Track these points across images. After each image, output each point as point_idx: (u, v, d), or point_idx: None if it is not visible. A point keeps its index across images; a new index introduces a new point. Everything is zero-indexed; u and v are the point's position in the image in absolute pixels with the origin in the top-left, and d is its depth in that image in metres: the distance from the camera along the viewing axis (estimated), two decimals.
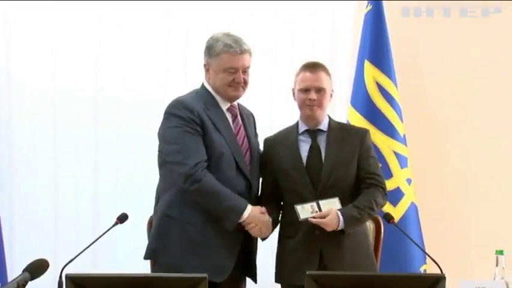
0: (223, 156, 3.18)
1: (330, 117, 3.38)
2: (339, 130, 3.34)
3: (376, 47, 4.32)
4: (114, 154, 4.50)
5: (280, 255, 3.32)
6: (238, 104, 3.38)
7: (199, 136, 3.16)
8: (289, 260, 3.26)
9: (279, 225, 3.35)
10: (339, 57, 4.57)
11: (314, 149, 3.29)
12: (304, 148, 3.29)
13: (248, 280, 3.36)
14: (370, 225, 3.48)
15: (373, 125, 4.26)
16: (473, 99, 4.59)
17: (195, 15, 4.50)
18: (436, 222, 4.45)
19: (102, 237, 2.93)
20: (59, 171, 4.47)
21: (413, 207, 4.27)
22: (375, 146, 4.15)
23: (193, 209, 3.15)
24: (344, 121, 4.21)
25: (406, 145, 4.33)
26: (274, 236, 3.35)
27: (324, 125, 3.33)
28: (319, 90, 3.27)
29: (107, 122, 4.51)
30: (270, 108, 4.48)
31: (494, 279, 2.76)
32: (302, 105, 3.29)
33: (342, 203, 3.18)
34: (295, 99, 3.35)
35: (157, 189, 3.29)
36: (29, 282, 2.30)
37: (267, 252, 3.43)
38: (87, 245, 2.84)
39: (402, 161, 4.29)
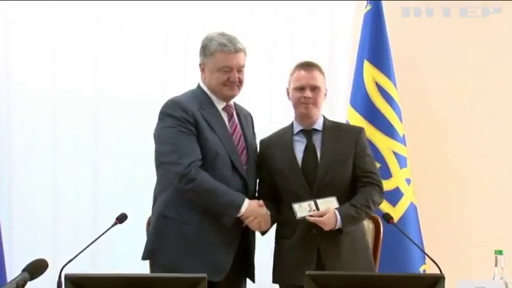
0: (218, 155, 3.18)
1: (324, 117, 3.38)
2: (334, 129, 3.34)
3: (375, 47, 4.33)
4: (113, 154, 4.50)
5: (278, 255, 3.32)
6: (235, 103, 3.39)
7: (193, 136, 3.16)
8: (287, 260, 3.26)
9: (276, 226, 3.34)
10: (339, 57, 4.57)
11: (309, 148, 3.29)
12: (299, 148, 3.30)
13: (248, 280, 3.36)
14: (369, 225, 3.49)
15: (373, 125, 4.26)
16: (473, 99, 4.59)
17: (195, 15, 4.50)
18: (435, 223, 4.45)
19: (101, 237, 2.93)
20: (59, 171, 4.48)
21: (412, 207, 4.27)
22: (374, 146, 4.18)
23: (190, 208, 3.15)
24: (343, 121, 4.21)
25: (405, 145, 4.33)
26: (273, 236, 3.35)
27: (318, 125, 3.33)
28: (314, 89, 3.28)
29: (107, 122, 4.51)
30: (269, 108, 4.48)
31: (494, 279, 2.76)
32: (297, 103, 3.30)
33: (339, 202, 3.18)
34: (289, 98, 3.35)
35: (154, 190, 3.30)
36: (28, 283, 2.30)
37: (265, 253, 3.42)
38: (86, 245, 2.85)
39: (401, 161, 4.29)
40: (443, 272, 2.56)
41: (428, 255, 3.03)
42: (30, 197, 4.47)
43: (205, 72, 3.29)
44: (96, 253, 4.22)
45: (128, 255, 4.04)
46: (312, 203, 3.17)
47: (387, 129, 4.29)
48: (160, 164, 3.23)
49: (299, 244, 3.22)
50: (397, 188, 4.25)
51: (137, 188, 4.29)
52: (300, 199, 3.20)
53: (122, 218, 3.03)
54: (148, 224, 3.34)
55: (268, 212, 3.23)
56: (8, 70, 4.49)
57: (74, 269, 2.49)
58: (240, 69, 3.26)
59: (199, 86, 3.33)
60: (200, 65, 3.32)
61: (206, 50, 3.26)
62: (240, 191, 3.22)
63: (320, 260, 3.19)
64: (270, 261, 3.35)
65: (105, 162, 4.49)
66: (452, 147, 4.59)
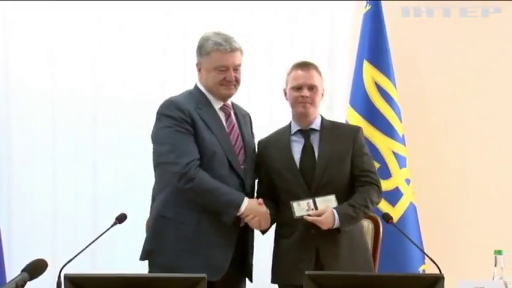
0: (215, 155, 3.19)
1: (322, 116, 3.38)
2: (332, 129, 3.34)
3: (374, 47, 4.33)
4: (113, 154, 4.50)
5: (276, 255, 3.32)
6: (232, 103, 3.39)
7: (190, 135, 3.17)
8: (285, 260, 3.26)
9: (275, 226, 3.34)
10: (338, 57, 4.57)
11: (307, 148, 3.29)
12: (297, 148, 3.30)
13: (247, 281, 3.36)
14: (369, 225, 3.49)
15: (372, 125, 4.26)
16: (473, 99, 4.59)
17: (195, 16, 4.49)
18: (434, 222, 4.45)
19: (101, 238, 2.93)
20: (58, 171, 4.47)
21: (412, 207, 4.27)
22: (374, 146, 4.18)
23: (188, 208, 3.16)
24: (343, 121, 4.21)
25: (405, 145, 4.33)
26: (272, 236, 3.35)
27: (316, 124, 3.33)
28: (312, 88, 3.28)
29: (106, 122, 4.51)
30: (269, 108, 4.48)
31: (493, 279, 2.77)
32: (294, 103, 3.30)
33: (337, 201, 3.18)
34: (287, 99, 3.35)
35: (153, 190, 3.30)
36: (28, 283, 2.30)
37: (264, 252, 3.42)
38: (86, 245, 2.84)
39: (401, 161, 4.29)
40: (442, 272, 2.56)
41: (427, 255, 3.03)
42: (29, 197, 4.47)
43: (201, 72, 3.30)
44: (95, 253, 4.22)
45: (128, 255, 4.04)
46: (310, 201, 3.18)
47: (387, 129, 4.29)
48: (158, 164, 3.24)
49: (298, 244, 3.22)
50: (397, 188, 4.25)
51: (137, 188, 4.29)
52: (299, 199, 3.20)
53: (121, 218, 3.03)
54: (149, 224, 3.34)
55: (268, 211, 3.23)
56: (8, 70, 4.48)
57: (73, 269, 2.49)
58: (236, 68, 3.26)
59: (196, 86, 3.33)
60: (197, 64, 3.32)
61: (202, 49, 3.27)
62: (237, 190, 3.22)
63: (319, 260, 3.19)
64: (269, 261, 3.35)
65: (104, 162, 4.49)
66: (452, 147, 4.59)
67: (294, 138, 3.33)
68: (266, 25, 4.56)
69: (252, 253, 3.35)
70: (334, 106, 4.50)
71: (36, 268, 2.34)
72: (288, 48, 4.55)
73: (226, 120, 3.31)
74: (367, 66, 4.33)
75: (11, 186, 4.47)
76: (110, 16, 4.53)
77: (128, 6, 4.49)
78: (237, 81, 3.28)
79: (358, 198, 3.23)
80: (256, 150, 3.40)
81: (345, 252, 3.21)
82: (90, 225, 4.41)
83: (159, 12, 4.53)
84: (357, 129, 3.40)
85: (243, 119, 3.40)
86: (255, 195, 3.36)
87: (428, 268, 4.01)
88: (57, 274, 2.51)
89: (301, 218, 3.16)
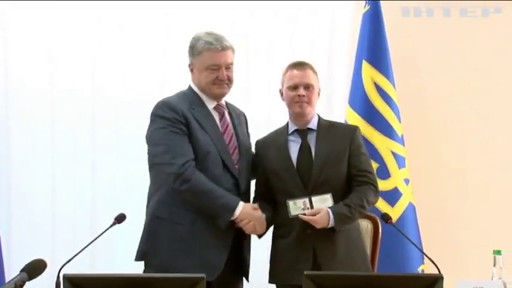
0: (209, 154, 3.19)
1: (319, 116, 3.38)
2: (329, 128, 3.34)
3: (374, 47, 4.33)
4: (112, 154, 4.50)
5: (274, 255, 3.32)
6: (227, 102, 3.39)
7: (185, 136, 3.17)
8: (283, 260, 3.26)
9: (272, 226, 3.34)
10: (337, 57, 4.57)
11: (304, 148, 3.29)
12: (294, 148, 3.29)
13: (245, 281, 3.37)
14: (368, 225, 3.49)
15: (371, 125, 4.27)
16: (472, 99, 4.59)
17: (195, 16, 4.49)
18: (434, 222, 4.45)
19: (100, 238, 2.93)
20: (57, 171, 4.47)
21: (411, 208, 4.27)
22: (373, 146, 4.19)
23: (183, 208, 3.16)
24: (342, 121, 4.21)
25: (404, 145, 4.33)
26: (269, 236, 3.35)
27: (313, 124, 3.33)
28: (308, 87, 3.28)
29: (105, 122, 4.50)
30: (268, 108, 4.47)
31: (492, 279, 2.77)
32: (291, 102, 3.30)
33: (334, 200, 3.18)
34: (283, 99, 3.35)
35: (148, 191, 3.31)
36: (27, 283, 2.30)
37: (262, 253, 3.42)
38: (85, 245, 2.84)
39: (400, 161, 4.29)
40: (441, 272, 2.56)
41: (426, 255, 3.03)
42: (28, 197, 4.46)
43: (194, 72, 3.31)
44: (94, 253, 4.21)
45: (127, 256, 4.03)
46: (306, 200, 3.17)
47: (386, 130, 4.29)
48: (153, 165, 3.25)
49: (295, 244, 3.22)
50: (396, 188, 4.25)
51: (136, 188, 4.27)
52: (295, 198, 3.19)
53: (120, 218, 3.03)
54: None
55: (263, 215, 3.23)
56: (7, 70, 4.47)
57: (72, 269, 2.49)
58: (228, 67, 3.26)
59: (189, 87, 3.34)
60: (189, 65, 3.33)
61: (194, 49, 3.28)
62: (232, 190, 3.22)
63: (316, 260, 3.18)
64: (267, 261, 3.35)
65: (103, 163, 4.49)
66: (451, 148, 4.59)
67: (291, 138, 3.33)
68: (266, 25, 4.56)
69: (249, 253, 3.35)
70: (333, 106, 4.50)
71: (35, 268, 2.34)
72: (288, 48, 4.54)
73: (220, 119, 3.31)
74: (366, 67, 4.33)
75: (10, 186, 4.46)
76: (109, 16, 4.52)
77: (128, 6, 4.48)
78: (230, 80, 3.28)
79: (354, 198, 3.23)
80: (254, 150, 3.41)
81: (342, 251, 3.21)
82: (89, 225, 4.40)
83: (159, 12, 4.52)
84: (354, 129, 3.40)
85: (238, 119, 3.40)
86: (252, 195, 3.37)
87: (427, 268, 4.01)
88: (56, 274, 2.51)
89: (297, 217, 3.16)
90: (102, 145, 4.49)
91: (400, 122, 4.33)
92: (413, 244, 3.41)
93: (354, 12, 4.55)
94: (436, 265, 2.80)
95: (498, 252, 2.78)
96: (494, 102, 4.59)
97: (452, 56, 4.60)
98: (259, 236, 3.30)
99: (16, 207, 4.46)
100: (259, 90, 4.51)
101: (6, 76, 4.47)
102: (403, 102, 4.37)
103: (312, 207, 3.17)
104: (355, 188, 3.27)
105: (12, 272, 4.04)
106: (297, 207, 3.17)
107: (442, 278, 2.35)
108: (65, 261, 2.65)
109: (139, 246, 3.25)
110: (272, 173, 3.29)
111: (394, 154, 4.28)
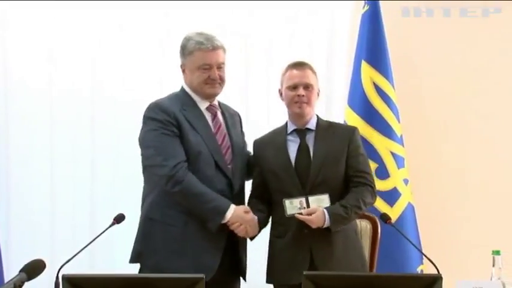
0: (200, 154, 3.19)
1: (318, 116, 3.38)
2: (327, 128, 3.34)
3: (373, 47, 4.33)
4: (111, 154, 4.49)
5: (271, 255, 3.32)
6: (220, 103, 3.39)
7: (176, 137, 3.17)
8: (280, 260, 3.26)
9: (270, 226, 3.34)
10: (337, 58, 4.57)
11: (302, 148, 3.29)
12: (293, 148, 3.30)
13: (243, 281, 3.36)
14: (367, 225, 3.49)
15: (370, 125, 4.27)
16: (472, 99, 4.59)
17: (195, 16, 4.49)
18: (433, 223, 4.46)
19: (99, 238, 2.93)
20: (56, 171, 4.47)
21: (410, 208, 4.28)
22: (372, 147, 4.19)
23: (175, 210, 3.16)
24: (341, 121, 4.21)
25: (403, 145, 4.34)
26: (266, 236, 3.34)
27: (312, 124, 3.33)
28: (307, 87, 3.28)
29: (105, 122, 4.50)
30: (267, 108, 4.48)
31: (491, 279, 2.77)
32: (290, 102, 3.30)
33: (331, 201, 3.18)
34: (282, 99, 3.35)
35: (142, 193, 3.31)
36: (26, 283, 2.30)
37: (259, 253, 3.42)
38: (84, 246, 2.84)
39: (399, 161, 4.30)
40: (440, 272, 2.56)
41: (425, 256, 3.03)
42: (27, 197, 4.46)
43: (186, 73, 3.31)
44: (93, 253, 4.21)
45: (126, 256, 4.03)
46: (303, 200, 3.18)
47: (385, 130, 4.29)
48: (145, 167, 3.26)
49: (292, 244, 3.22)
50: (395, 188, 4.25)
51: (135, 188, 4.23)
52: (292, 197, 3.19)
53: (119, 219, 3.03)
54: None
55: (255, 217, 3.22)
56: (6, 70, 4.48)
57: (71, 269, 2.49)
58: (220, 67, 3.27)
59: (182, 88, 3.34)
60: (181, 66, 3.33)
61: (185, 50, 3.28)
62: (225, 190, 3.22)
63: (313, 260, 3.18)
64: (264, 261, 3.35)
65: (102, 162, 4.49)
66: (450, 148, 4.59)
67: (289, 137, 3.33)
68: (265, 25, 4.56)
69: (245, 253, 3.35)
70: (333, 106, 4.50)
71: (34, 268, 2.34)
72: (287, 48, 4.54)
73: (213, 120, 3.31)
74: (365, 67, 4.33)
75: (10, 186, 4.46)
76: (109, 16, 4.52)
77: (128, 6, 4.48)
78: (222, 80, 3.28)
79: (351, 198, 3.23)
80: (252, 150, 3.41)
81: (339, 251, 3.21)
82: (88, 225, 4.40)
83: (159, 12, 4.52)
84: (352, 130, 3.40)
85: (232, 119, 3.40)
86: (248, 194, 3.37)
87: (427, 268, 4.01)
88: (55, 274, 2.51)
89: (293, 217, 3.16)
90: (102, 145, 4.49)
91: (399, 122, 4.33)
92: (413, 244, 3.41)
93: (353, 12, 4.55)
94: (435, 265, 2.80)
95: (497, 252, 2.78)
96: (494, 102, 4.59)
97: (452, 56, 4.60)
98: (251, 238, 3.29)
99: (15, 207, 4.45)
100: (259, 90, 4.51)
101: (6, 76, 4.47)
102: (402, 103, 4.38)
103: (308, 206, 3.17)
104: (352, 189, 3.27)
105: (11, 272, 4.04)
106: (293, 206, 3.17)
107: (441, 278, 2.35)
108: (64, 261, 2.66)
109: (133, 247, 3.26)
110: (270, 173, 3.29)
111: (393, 154, 4.28)
